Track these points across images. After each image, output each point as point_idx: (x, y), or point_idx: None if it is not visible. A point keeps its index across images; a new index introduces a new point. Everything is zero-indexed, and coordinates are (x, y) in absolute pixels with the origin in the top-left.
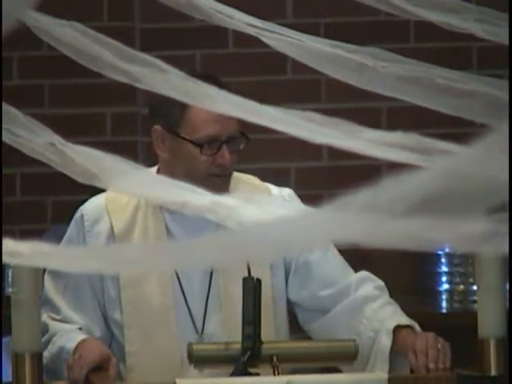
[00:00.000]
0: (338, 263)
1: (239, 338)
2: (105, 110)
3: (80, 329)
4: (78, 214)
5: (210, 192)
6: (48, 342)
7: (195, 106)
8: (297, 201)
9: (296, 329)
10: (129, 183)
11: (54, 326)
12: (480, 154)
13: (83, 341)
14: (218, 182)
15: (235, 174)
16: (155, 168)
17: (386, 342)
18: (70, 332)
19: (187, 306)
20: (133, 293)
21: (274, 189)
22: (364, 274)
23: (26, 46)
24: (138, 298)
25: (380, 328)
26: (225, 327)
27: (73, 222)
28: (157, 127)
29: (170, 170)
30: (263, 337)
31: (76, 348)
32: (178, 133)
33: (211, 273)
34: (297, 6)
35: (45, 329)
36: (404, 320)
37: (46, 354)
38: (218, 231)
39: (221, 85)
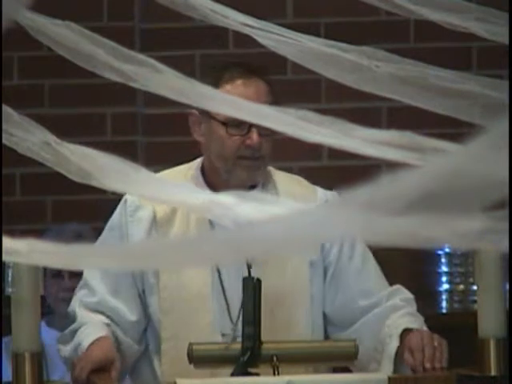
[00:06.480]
0: (376, 275)
1: (274, 334)
2: (105, 110)
3: (108, 324)
4: (122, 200)
5: (241, 175)
6: (73, 331)
7: (226, 87)
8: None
9: None
10: (125, 182)
11: (82, 316)
12: (476, 152)
13: (96, 340)
14: (247, 164)
15: (282, 172)
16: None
17: (393, 343)
18: (95, 326)
19: (224, 296)
20: (171, 279)
21: (320, 190)
22: (396, 287)
23: (25, 46)
24: (177, 285)
25: (394, 333)
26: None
27: (118, 207)
28: (193, 111)
29: (207, 155)
30: (299, 337)
31: (87, 347)
32: (208, 113)
33: (251, 265)
34: (297, 6)
35: (72, 316)
36: (416, 326)
37: (69, 347)
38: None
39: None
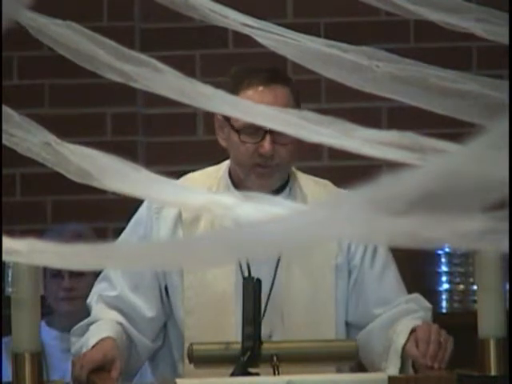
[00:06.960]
0: (395, 283)
1: (297, 336)
2: (105, 109)
3: (120, 323)
4: None
5: (256, 182)
6: (86, 327)
7: (248, 93)
8: None
9: None
10: (125, 182)
11: (96, 312)
12: (476, 152)
13: (101, 340)
14: (261, 171)
15: (308, 176)
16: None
17: (401, 339)
18: (105, 325)
19: None
20: (195, 279)
21: None
22: (414, 295)
23: (25, 46)
24: (201, 285)
25: (403, 330)
26: (284, 324)
27: (143, 204)
28: (217, 115)
29: (231, 159)
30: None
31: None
32: (228, 118)
33: (276, 266)
34: (297, 6)
35: (90, 309)
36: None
37: (77, 345)
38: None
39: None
